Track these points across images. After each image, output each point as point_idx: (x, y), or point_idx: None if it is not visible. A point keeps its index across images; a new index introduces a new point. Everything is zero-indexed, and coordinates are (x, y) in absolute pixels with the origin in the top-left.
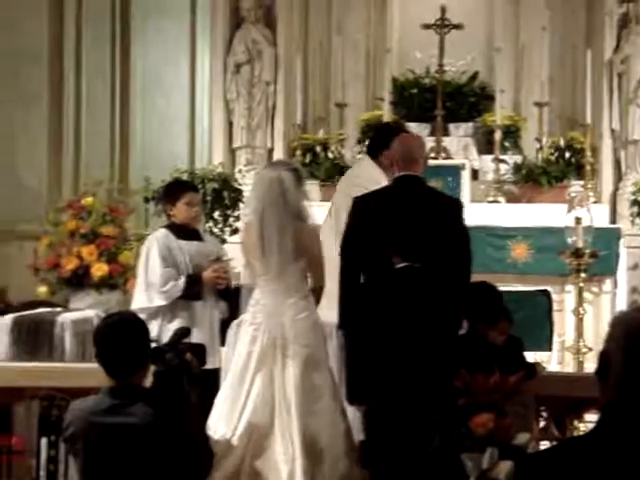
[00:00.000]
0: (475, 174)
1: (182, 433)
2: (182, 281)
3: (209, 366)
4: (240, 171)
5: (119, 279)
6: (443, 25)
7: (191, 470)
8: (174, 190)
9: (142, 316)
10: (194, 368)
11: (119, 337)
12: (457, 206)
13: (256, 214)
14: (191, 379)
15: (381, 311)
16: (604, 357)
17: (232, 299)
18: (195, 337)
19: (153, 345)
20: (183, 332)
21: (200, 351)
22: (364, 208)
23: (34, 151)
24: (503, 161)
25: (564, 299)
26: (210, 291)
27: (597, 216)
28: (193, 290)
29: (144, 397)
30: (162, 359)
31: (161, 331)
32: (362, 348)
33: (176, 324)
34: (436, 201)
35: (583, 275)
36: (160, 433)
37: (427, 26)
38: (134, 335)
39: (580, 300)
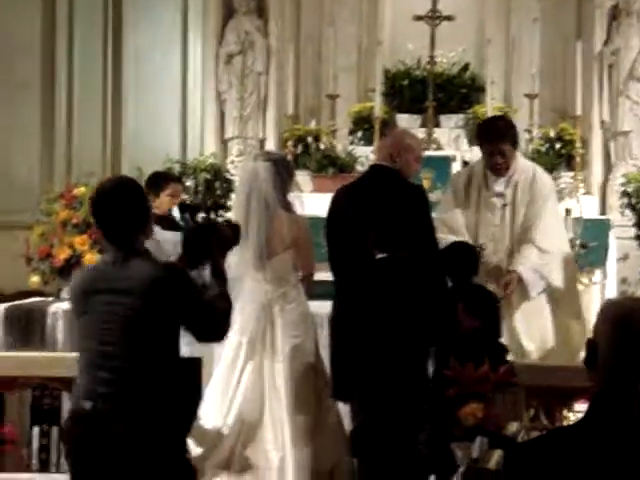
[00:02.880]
0: (466, 165)
1: (186, 291)
2: None
3: (196, 354)
4: (232, 162)
5: None
6: (434, 17)
7: (203, 328)
8: (158, 181)
9: None
10: (224, 230)
11: (115, 200)
12: (418, 192)
13: (238, 205)
14: (219, 240)
15: (362, 303)
16: (592, 345)
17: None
18: None
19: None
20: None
21: (236, 229)
22: (342, 198)
23: (26, 141)
24: None
25: None
26: None
27: (587, 207)
28: None
29: (144, 255)
30: (192, 216)
31: None
32: (346, 342)
33: None
34: (409, 191)
35: None
36: (164, 288)
37: (418, 18)
38: (130, 198)
39: None
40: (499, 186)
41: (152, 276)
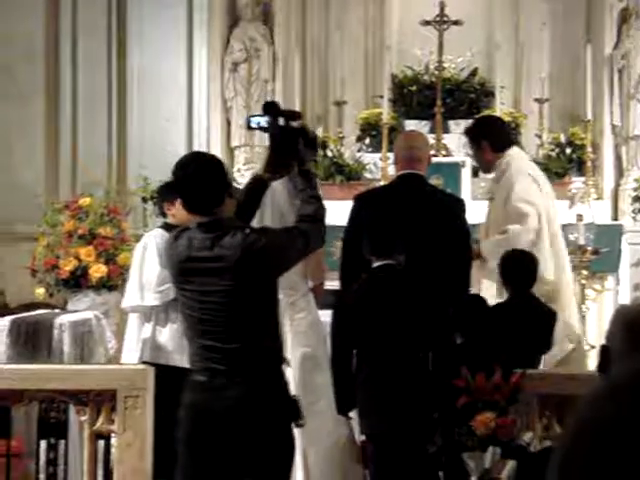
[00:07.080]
0: (475, 171)
1: (274, 252)
2: None
3: None
4: (239, 170)
5: (118, 280)
6: (442, 21)
7: (303, 253)
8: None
9: (135, 315)
10: (311, 132)
11: (196, 174)
12: (458, 205)
13: None
14: (307, 143)
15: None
16: (605, 351)
17: None
18: None
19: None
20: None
21: (314, 140)
22: (363, 206)
23: (31, 151)
24: None
25: None
26: None
27: (599, 213)
28: None
29: (231, 227)
30: (276, 119)
31: (155, 332)
32: (346, 352)
33: (169, 326)
34: (436, 200)
35: (585, 272)
36: (252, 263)
37: (426, 22)
38: (210, 172)
39: (582, 297)
40: (486, 182)
41: (239, 255)
